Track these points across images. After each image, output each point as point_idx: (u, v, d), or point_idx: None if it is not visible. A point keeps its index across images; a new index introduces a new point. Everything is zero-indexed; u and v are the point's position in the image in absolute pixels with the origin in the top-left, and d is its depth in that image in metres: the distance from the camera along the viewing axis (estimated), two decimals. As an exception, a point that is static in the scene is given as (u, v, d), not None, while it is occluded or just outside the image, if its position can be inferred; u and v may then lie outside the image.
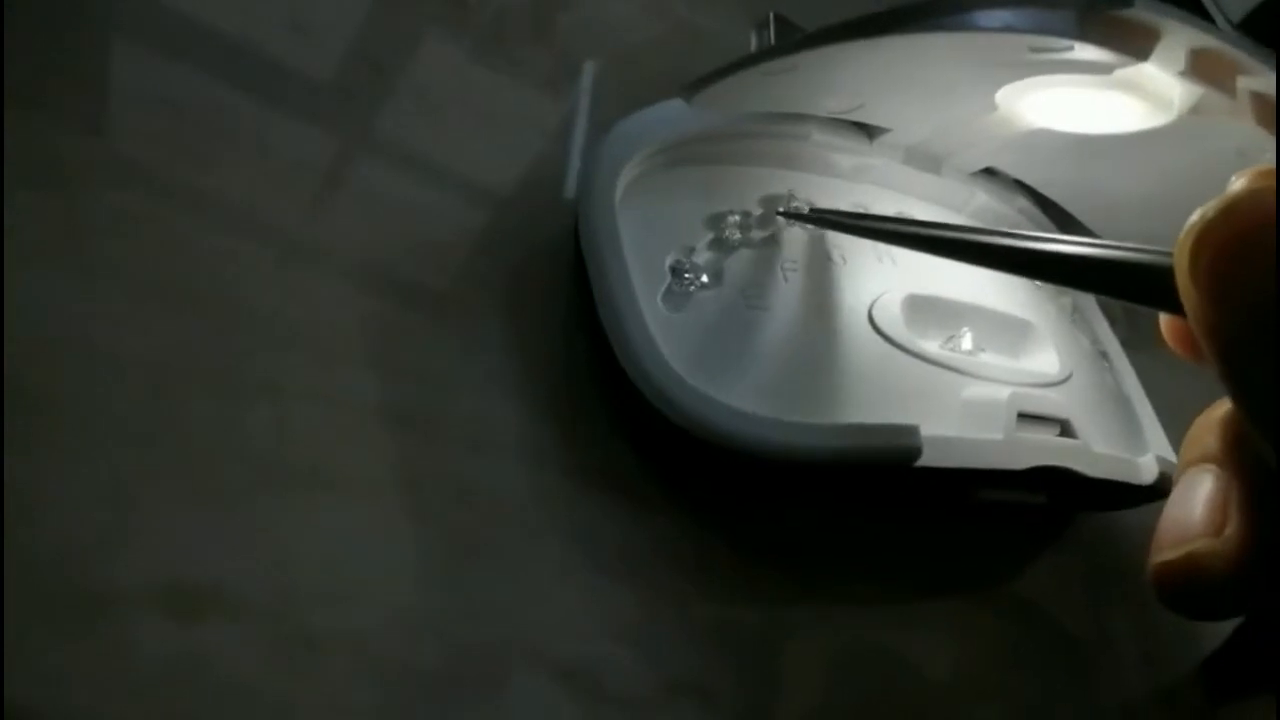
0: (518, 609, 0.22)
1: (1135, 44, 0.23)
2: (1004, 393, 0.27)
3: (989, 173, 0.33)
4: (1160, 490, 0.29)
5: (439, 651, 0.21)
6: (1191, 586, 0.17)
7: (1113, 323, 0.35)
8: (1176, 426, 0.31)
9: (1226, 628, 0.34)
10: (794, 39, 0.26)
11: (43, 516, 0.18)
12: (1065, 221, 0.35)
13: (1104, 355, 0.33)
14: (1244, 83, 0.24)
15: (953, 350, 0.28)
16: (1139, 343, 0.36)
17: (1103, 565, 0.32)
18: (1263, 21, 0.43)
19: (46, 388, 0.20)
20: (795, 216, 0.28)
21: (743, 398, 0.23)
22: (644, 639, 0.23)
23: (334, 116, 0.28)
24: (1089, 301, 0.35)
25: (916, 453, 0.24)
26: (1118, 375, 0.33)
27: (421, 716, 0.20)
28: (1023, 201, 0.34)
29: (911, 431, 0.24)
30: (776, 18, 0.34)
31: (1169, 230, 0.33)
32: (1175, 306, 0.15)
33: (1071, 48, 0.23)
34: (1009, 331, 0.30)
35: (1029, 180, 0.34)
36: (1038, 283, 0.33)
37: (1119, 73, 0.24)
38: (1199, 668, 0.33)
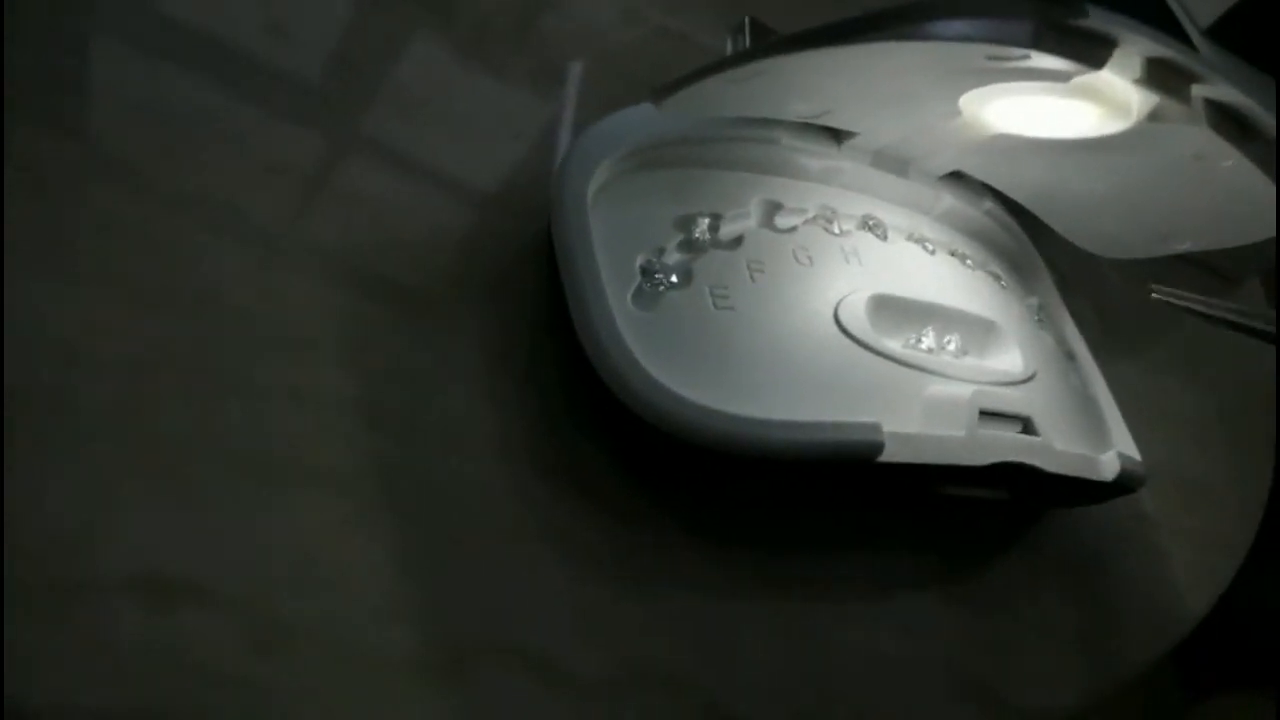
0: (489, 600, 0.23)
1: (1091, 52, 0.24)
2: (967, 390, 0.28)
3: (956, 175, 0.34)
4: (1121, 486, 0.30)
5: (411, 641, 0.21)
6: None
7: (1082, 324, 0.36)
8: (1150, 427, 0.32)
9: (1194, 619, 0.34)
10: (762, 45, 0.27)
11: (21, 509, 0.19)
12: (1032, 223, 0.35)
13: (1070, 355, 0.34)
14: (1199, 90, 0.25)
15: (916, 349, 0.29)
16: (1113, 346, 0.37)
17: (1069, 559, 0.33)
18: (1230, 28, 0.44)
19: (26, 384, 0.20)
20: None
21: (710, 395, 0.24)
22: (612, 628, 0.24)
23: (315, 118, 0.28)
24: (1056, 302, 0.35)
25: (879, 448, 0.25)
26: (1084, 375, 0.34)
27: (392, 705, 0.21)
28: (989, 204, 0.35)
29: (874, 428, 0.25)
30: (752, 22, 0.34)
31: (1130, 229, 0.34)
32: None
33: (1028, 56, 0.23)
34: (973, 331, 0.31)
35: (995, 183, 0.34)
36: (1003, 283, 0.34)
37: (1077, 80, 0.25)
38: (1168, 658, 0.33)
